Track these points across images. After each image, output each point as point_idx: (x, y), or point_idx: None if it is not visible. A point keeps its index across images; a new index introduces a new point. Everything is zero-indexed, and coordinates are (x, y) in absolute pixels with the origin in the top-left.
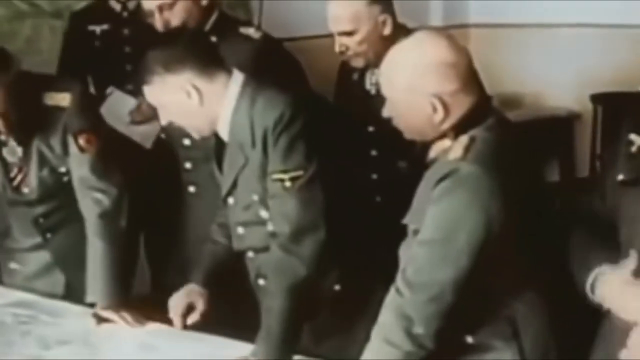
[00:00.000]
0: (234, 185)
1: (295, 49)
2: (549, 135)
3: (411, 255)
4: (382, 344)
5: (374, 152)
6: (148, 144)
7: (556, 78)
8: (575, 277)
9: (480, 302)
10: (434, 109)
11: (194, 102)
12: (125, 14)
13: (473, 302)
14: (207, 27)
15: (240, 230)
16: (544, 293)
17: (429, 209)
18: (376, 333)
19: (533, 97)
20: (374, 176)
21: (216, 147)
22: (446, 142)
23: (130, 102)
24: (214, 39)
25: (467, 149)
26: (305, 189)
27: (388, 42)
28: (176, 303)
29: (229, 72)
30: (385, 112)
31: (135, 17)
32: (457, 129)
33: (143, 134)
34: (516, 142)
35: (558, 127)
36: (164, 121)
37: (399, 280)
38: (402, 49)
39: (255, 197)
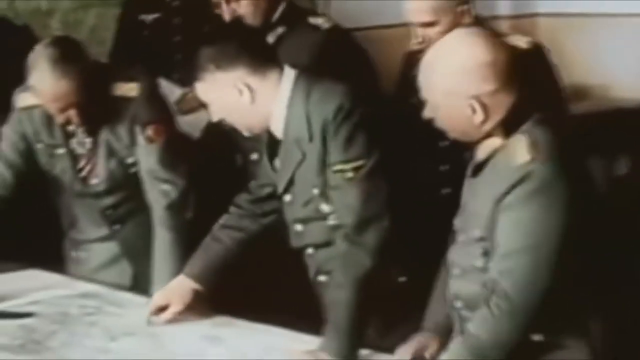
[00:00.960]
0: (291, 181)
1: (365, 38)
2: (618, 128)
3: (501, 269)
4: (473, 352)
5: (444, 143)
6: (196, 134)
7: (626, 69)
8: None
9: (549, 299)
10: (473, 111)
11: (245, 100)
12: (176, 3)
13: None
14: (275, 17)
15: (299, 227)
16: (614, 291)
17: (504, 217)
18: (464, 345)
19: (602, 88)
20: (443, 167)
21: (268, 145)
22: (496, 141)
23: (177, 92)
24: (281, 29)
25: (533, 149)
26: (368, 179)
27: None
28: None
29: (281, 69)
30: (426, 114)
31: (186, 6)
32: (505, 127)
33: (191, 124)
34: (575, 135)
35: (627, 119)
36: (215, 118)
37: (493, 297)
38: (439, 50)
39: (316, 191)
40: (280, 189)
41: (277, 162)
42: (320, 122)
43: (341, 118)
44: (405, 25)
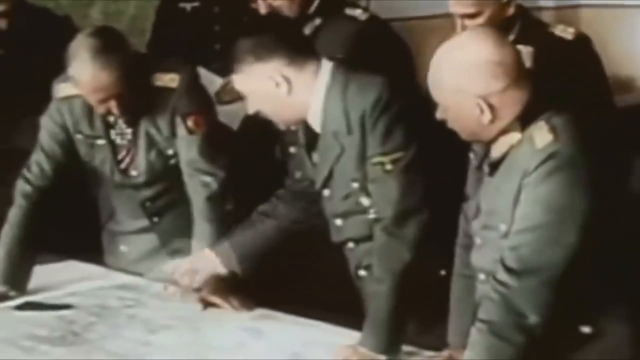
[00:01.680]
0: (330, 176)
1: (404, 29)
2: None
3: (511, 245)
4: (492, 340)
5: None
6: (235, 125)
7: None
8: None
9: (596, 289)
10: (481, 111)
11: (282, 91)
12: None
13: (587, 290)
14: (312, 9)
15: (339, 221)
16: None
17: (523, 196)
18: (481, 329)
19: None
20: None
21: (306, 139)
22: (513, 136)
23: (217, 81)
24: (318, 21)
25: (554, 132)
26: (407, 170)
27: (508, 22)
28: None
29: (319, 61)
30: (438, 115)
31: None
32: (522, 122)
33: (230, 115)
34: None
35: None
36: (251, 110)
37: (500, 273)
38: (446, 50)
39: (355, 185)
40: (318, 183)
41: (316, 156)
42: (358, 114)
43: (379, 110)
44: (446, 16)
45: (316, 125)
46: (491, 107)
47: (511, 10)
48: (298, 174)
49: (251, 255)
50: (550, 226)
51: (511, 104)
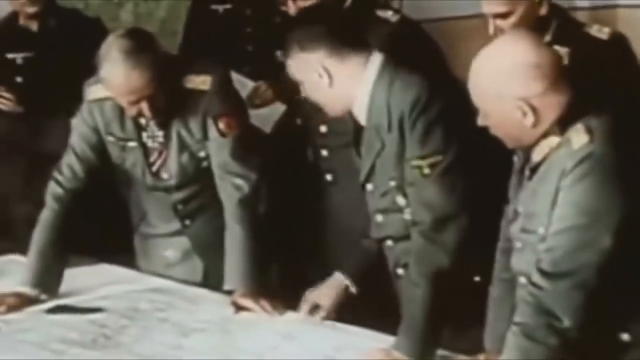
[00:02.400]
0: (372, 170)
1: (437, 30)
2: None
3: (546, 248)
4: (525, 342)
5: None
6: (267, 129)
7: None
8: None
9: (633, 295)
10: (523, 114)
11: (324, 83)
12: None
13: (625, 296)
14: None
15: (379, 217)
16: None
17: (559, 198)
18: (515, 332)
19: None
20: None
21: (355, 131)
22: (553, 140)
23: (249, 84)
24: None
25: (590, 133)
26: (445, 175)
27: (544, 23)
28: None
29: (368, 53)
30: (480, 122)
31: None
32: (562, 125)
33: (262, 118)
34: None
35: None
36: (303, 94)
37: (534, 276)
38: (485, 55)
39: (392, 184)
40: (362, 177)
41: (362, 149)
42: (398, 113)
43: (417, 111)
44: (480, 16)
45: (362, 117)
46: (533, 110)
47: (544, 10)
48: (329, 177)
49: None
50: (583, 228)
51: (551, 106)
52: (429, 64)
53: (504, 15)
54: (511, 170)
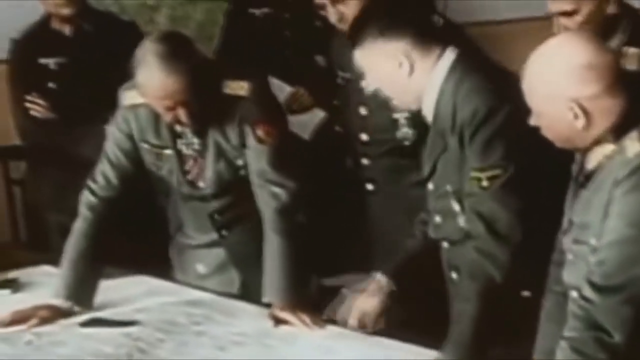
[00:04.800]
0: (434, 169)
1: (482, 34)
2: None
3: (597, 260)
4: (574, 357)
5: None
6: (306, 135)
7: None
8: None
9: None
10: (575, 116)
11: (404, 72)
12: None
13: None
14: None
15: (438, 218)
16: None
17: (613, 209)
18: (564, 346)
19: None
20: None
21: (421, 126)
22: (606, 148)
23: (286, 89)
24: None
25: None
26: (504, 189)
27: (613, 22)
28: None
29: (443, 49)
30: (532, 122)
31: (296, 0)
32: (617, 133)
33: (301, 124)
34: None
35: None
36: (370, 87)
37: (585, 289)
38: (539, 55)
39: (449, 188)
40: (424, 174)
41: (426, 147)
42: (460, 120)
43: (478, 122)
44: (533, 20)
45: (429, 113)
46: (585, 112)
47: (612, 9)
48: (370, 186)
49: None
50: (634, 241)
51: (605, 110)
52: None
53: (569, 14)
54: (569, 182)
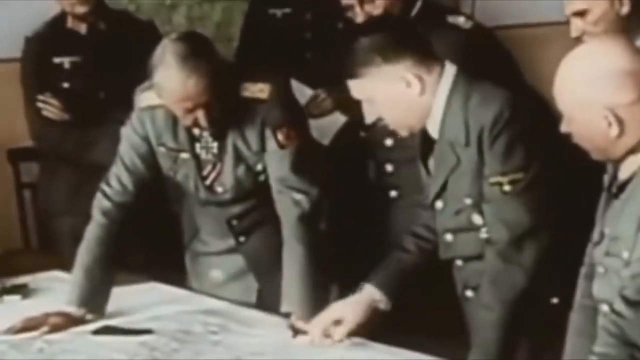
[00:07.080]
0: (444, 187)
1: (510, 38)
2: None
3: (631, 274)
4: None
5: None
6: (326, 140)
7: None
8: None
9: None
10: (609, 124)
11: (414, 92)
12: None
13: None
14: (411, 16)
15: (449, 237)
16: None
17: None
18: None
19: None
20: None
21: (422, 145)
22: None
23: (307, 93)
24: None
25: None
26: (526, 192)
27: (626, 23)
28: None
29: (442, 64)
30: (563, 128)
31: (317, 1)
32: None
33: (321, 129)
34: None
35: None
36: (371, 118)
37: (617, 303)
38: (572, 59)
39: (468, 201)
40: (431, 194)
41: (431, 164)
42: (477, 128)
43: (500, 126)
44: (559, 24)
45: (434, 131)
46: (619, 121)
47: (625, 9)
48: (394, 193)
49: (405, 281)
50: None
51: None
52: (507, 75)
53: (581, 14)
54: (601, 189)
